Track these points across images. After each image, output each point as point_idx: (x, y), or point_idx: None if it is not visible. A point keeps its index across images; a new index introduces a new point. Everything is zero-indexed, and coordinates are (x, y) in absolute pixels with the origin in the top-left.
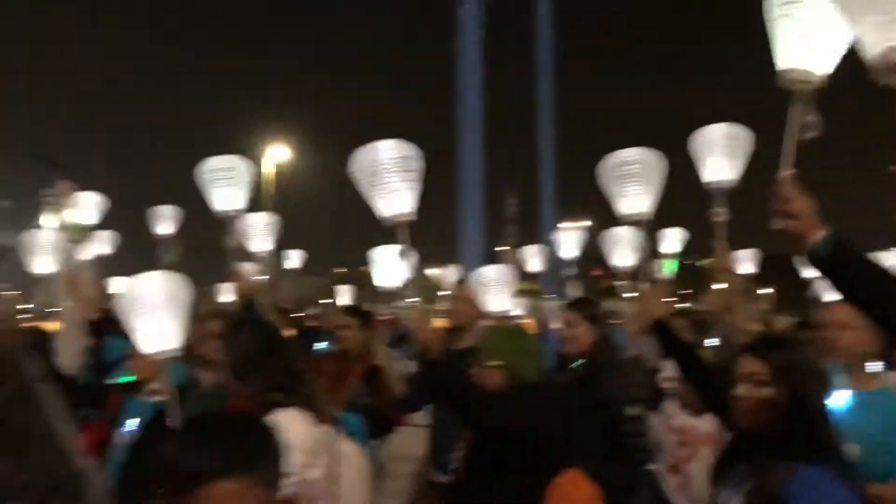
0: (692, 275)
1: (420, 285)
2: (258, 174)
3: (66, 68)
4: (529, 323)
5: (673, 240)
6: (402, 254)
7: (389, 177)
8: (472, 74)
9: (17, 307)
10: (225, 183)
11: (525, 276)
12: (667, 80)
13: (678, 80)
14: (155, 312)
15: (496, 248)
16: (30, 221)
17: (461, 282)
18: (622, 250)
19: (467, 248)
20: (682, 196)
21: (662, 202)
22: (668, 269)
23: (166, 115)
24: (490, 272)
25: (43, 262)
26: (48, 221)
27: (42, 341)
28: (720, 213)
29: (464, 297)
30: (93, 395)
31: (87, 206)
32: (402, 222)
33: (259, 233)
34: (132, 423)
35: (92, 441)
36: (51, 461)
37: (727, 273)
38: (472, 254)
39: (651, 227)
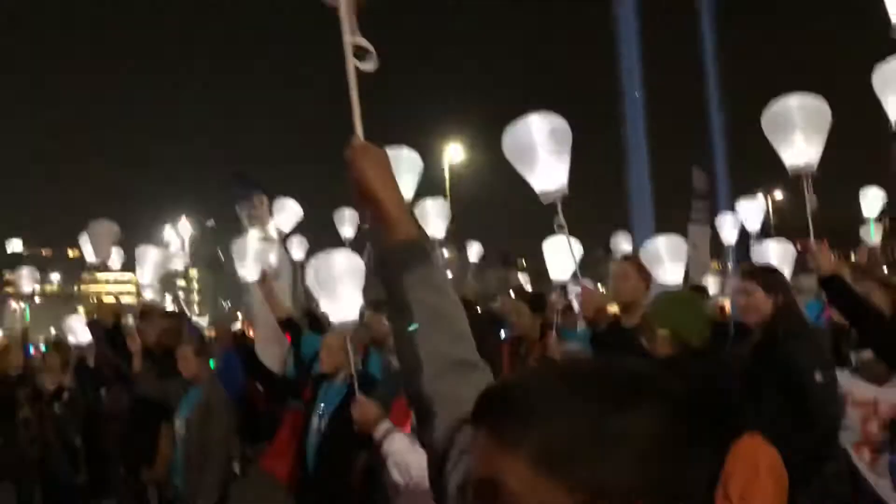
0: None
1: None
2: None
3: (258, 92)
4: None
5: (873, 200)
6: (558, 227)
7: (540, 151)
8: (632, 63)
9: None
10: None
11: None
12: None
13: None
14: (337, 286)
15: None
16: (233, 237)
17: (627, 257)
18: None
19: (638, 225)
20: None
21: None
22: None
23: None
24: (660, 243)
25: (248, 272)
26: (249, 234)
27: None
28: None
29: (629, 272)
30: (294, 387)
31: (282, 215)
32: (558, 197)
33: (434, 219)
34: (324, 409)
35: (294, 427)
36: None
37: None
38: (644, 230)
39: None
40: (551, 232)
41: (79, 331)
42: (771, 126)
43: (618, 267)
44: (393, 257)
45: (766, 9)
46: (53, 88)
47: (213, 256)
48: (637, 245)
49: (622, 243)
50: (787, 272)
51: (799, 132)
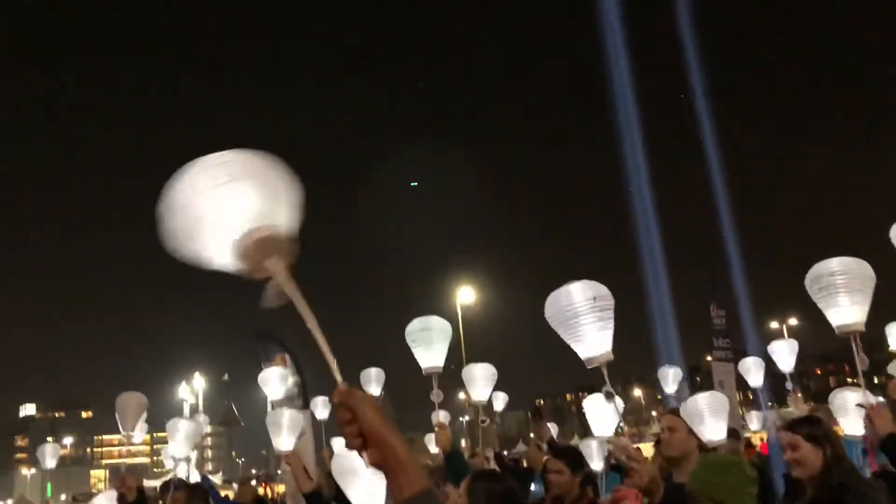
0: None
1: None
2: (456, 326)
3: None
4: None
5: None
6: (608, 396)
7: (584, 319)
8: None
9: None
10: (425, 342)
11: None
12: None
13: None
14: (365, 478)
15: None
16: (247, 392)
17: (671, 411)
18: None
19: (667, 368)
20: None
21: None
22: None
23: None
24: (700, 400)
25: (282, 442)
26: (272, 394)
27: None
28: None
29: (679, 424)
30: None
31: (269, 386)
32: (603, 363)
33: (480, 383)
34: None
35: None
36: None
37: None
38: (673, 374)
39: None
40: (565, 366)
41: None
42: (815, 289)
43: (666, 420)
44: None
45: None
46: (59, 249)
47: (227, 411)
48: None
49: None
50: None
51: (843, 295)
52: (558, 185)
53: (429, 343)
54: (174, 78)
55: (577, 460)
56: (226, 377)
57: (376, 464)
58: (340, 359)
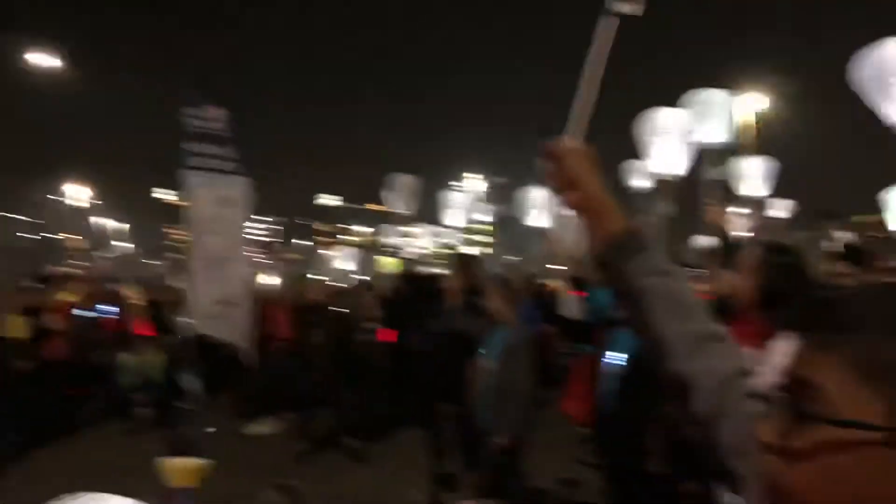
0: None
1: None
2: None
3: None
4: None
5: None
6: None
7: None
8: None
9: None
10: (704, 116)
11: None
12: None
13: None
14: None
15: None
16: (520, 195)
17: None
18: None
19: None
20: None
21: None
22: None
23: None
24: None
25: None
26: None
27: (549, 297)
28: None
29: None
30: (586, 332)
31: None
32: None
33: (752, 176)
34: (616, 356)
35: (583, 372)
36: None
37: None
38: None
39: None
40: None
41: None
42: None
43: None
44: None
45: None
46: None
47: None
48: None
49: None
50: None
51: None
52: None
53: (706, 118)
54: None
55: (861, 260)
56: (499, 179)
57: (576, 205)
58: None
